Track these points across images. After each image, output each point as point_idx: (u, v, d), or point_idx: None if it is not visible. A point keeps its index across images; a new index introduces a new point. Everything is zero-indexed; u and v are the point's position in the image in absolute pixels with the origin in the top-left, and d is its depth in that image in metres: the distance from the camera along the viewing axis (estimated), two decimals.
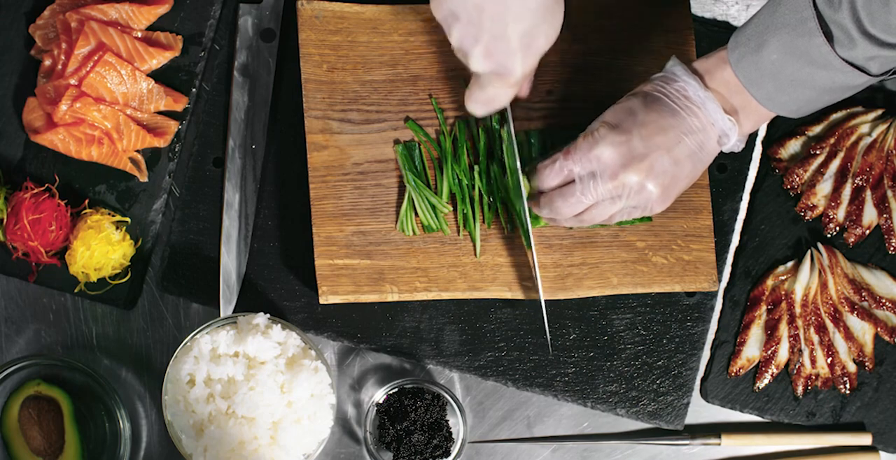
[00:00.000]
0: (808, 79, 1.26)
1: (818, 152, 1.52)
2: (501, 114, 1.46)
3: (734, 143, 1.33)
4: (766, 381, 1.50)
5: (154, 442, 1.49)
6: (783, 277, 1.51)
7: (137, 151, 1.49)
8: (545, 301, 1.47)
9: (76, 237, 1.44)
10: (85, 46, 1.46)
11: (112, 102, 1.48)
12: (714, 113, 1.30)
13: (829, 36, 1.23)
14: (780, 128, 1.53)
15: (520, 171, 1.41)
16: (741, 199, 1.52)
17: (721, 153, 1.46)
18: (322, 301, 1.43)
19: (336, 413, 1.43)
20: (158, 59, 1.50)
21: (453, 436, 1.46)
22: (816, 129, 1.53)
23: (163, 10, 1.51)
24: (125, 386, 1.49)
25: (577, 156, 1.33)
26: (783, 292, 1.50)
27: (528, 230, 1.42)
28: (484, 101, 1.35)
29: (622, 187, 1.32)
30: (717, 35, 1.53)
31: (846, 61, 1.23)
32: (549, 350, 1.47)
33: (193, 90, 1.51)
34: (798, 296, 1.49)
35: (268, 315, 1.41)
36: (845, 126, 1.51)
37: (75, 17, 1.47)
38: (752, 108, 1.31)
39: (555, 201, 1.35)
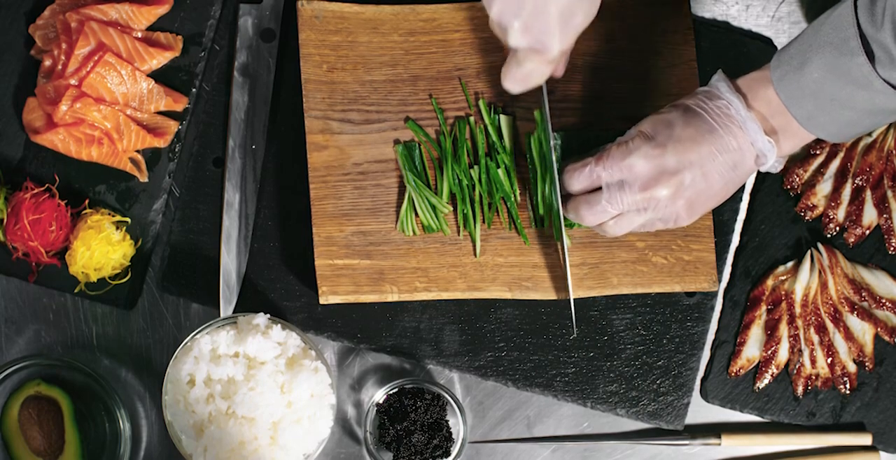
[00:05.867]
0: (849, 99, 1.25)
1: (818, 152, 1.52)
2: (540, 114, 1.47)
3: (772, 164, 1.32)
4: (766, 381, 1.50)
5: (154, 442, 1.49)
6: (783, 277, 1.51)
7: (137, 151, 1.49)
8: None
9: (76, 237, 1.44)
10: (85, 46, 1.46)
11: (112, 102, 1.48)
12: (754, 133, 1.30)
13: (871, 56, 1.22)
14: None
15: (554, 157, 1.41)
16: (741, 199, 1.52)
17: None
18: (322, 301, 1.43)
19: (336, 413, 1.43)
20: (158, 59, 1.50)
21: (453, 436, 1.46)
22: None
23: (163, 10, 1.51)
24: (125, 386, 1.49)
25: (609, 164, 1.33)
26: (783, 292, 1.50)
27: (558, 209, 1.42)
28: (520, 78, 1.35)
29: (650, 200, 1.32)
30: (717, 35, 1.53)
31: (887, 82, 1.23)
32: (574, 329, 1.47)
33: (193, 90, 1.51)
34: (798, 296, 1.49)
35: (268, 315, 1.41)
36: None
37: (75, 17, 1.47)
38: (792, 130, 1.31)
39: (580, 207, 1.35)
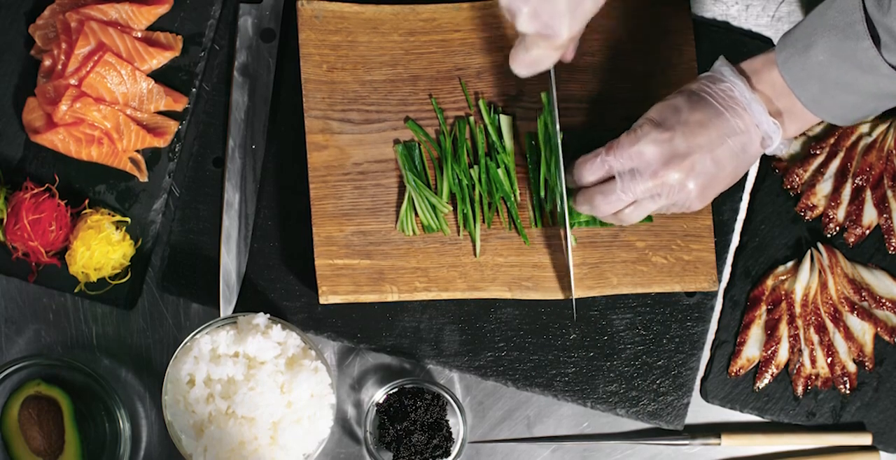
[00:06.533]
0: (854, 83, 1.26)
1: (818, 152, 1.52)
2: (548, 111, 1.47)
3: (777, 146, 1.33)
4: (766, 381, 1.50)
5: (154, 442, 1.49)
6: (783, 277, 1.51)
7: (137, 151, 1.49)
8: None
9: (76, 237, 1.44)
10: (85, 46, 1.46)
11: (112, 102, 1.48)
12: (759, 115, 1.30)
13: (876, 40, 1.22)
14: None
15: (559, 140, 1.41)
16: (741, 199, 1.52)
17: None
18: (322, 301, 1.43)
19: (336, 413, 1.43)
20: (158, 59, 1.50)
21: (453, 436, 1.46)
22: (816, 129, 1.53)
23: (163, 10, 1.51)
24: (125, 386, 1.49)
25: (619, 152, 1.33)
26: (783, 292, 1.50)
27: (564, 210, 1.43)
28: (528, 63, 1.35)
29: (663, 185, 1.32)
30: (717, 35, 1.53)
31: (892, 67, 1.23)
32: (574, 315, 1.47)
33: (193, 90, 1.51)
34: (798, 296, 1.49)
35: (268, 315, 1.41)
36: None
37: (75, 17, 1.47)
38: (797, 112, 1.31)
39: (595, 198, 1.35)
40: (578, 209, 1.39)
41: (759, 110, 1.30)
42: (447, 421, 1.46)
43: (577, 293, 1.46)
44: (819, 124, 1.52)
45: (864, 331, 1.50)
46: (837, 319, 1.50)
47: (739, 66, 1.33)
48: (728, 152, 1.31)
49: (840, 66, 1.25)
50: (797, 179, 1.52)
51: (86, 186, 1.49)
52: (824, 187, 1.52)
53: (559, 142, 1.42)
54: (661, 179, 1.31)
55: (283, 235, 1.48)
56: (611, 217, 1.37)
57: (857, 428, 1.51)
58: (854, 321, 1.50)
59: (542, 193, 1.46)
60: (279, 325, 1.40)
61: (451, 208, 1.46)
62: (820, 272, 1.50)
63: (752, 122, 1.31)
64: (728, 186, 1.35)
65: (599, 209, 1.36)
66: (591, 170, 1.35)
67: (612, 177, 1.34)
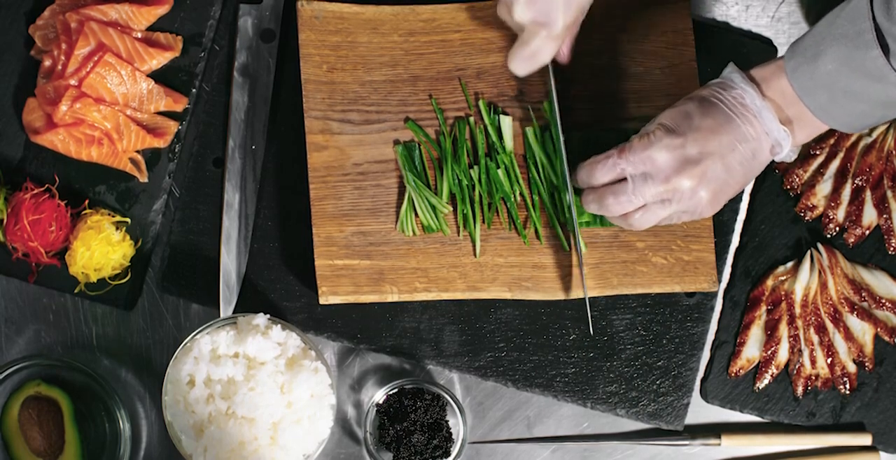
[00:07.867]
0: (863, 91, 1.26)
1: (818, 152, 1.52)
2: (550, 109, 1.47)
3: (787, 153, 1.33)
4: (766, 382, 1.50)
5: (154, 443, 1.49)
6: (783, 277, 1.51)
7: (137, 152, 1.49)
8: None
9: (76, 237, 1.44)
10: (85, 47, 1.46)
11: (112, 103, 1.48)
12: (769, 122, 1.30)
13: (885, 49, 1.23)
14: None
15: (563, 145, 1.42)
16: (741, 199, 1.52)
17: None
18: (322, 301, 1.44)
19: (336, 413, 1.43)
20: (158, 60, 1.50)
21: (453, 437, 1.46)
22: None
23: (163, 10, 1.51)
24: (125, 386, 1.49)
25: (632, 157, 1.33)
26: (783, 292, 1.50)
27: (572, 215, 1.43)
28: (527, 56, 1.37)
29: (674, 191, 1.32)
30: (717, 35, 1.53)
31: None
32: (591, 329, 1.47)
33: (193, 90, 1.51)
34: (798, 296, 1.49)
35: (268, 315, 1.41)
36: None
37: (75, 17, 1.47)
38: (806, 120, 1.31)
39: (606, 197, 1.36)
40: (587, 208, 1.39)
41: (769, 118, 1.30)
42: (447, 421, 1.46)
43: (577, 293, 1.46)
44: None
45: (864, 332, 1.50)
46: (837, 319, 1.50)
47: (749, 73, 1.33)
48: (739, 158, 1.31)
49: (849, 75, 1.25)
50: (797, 179, 1.52)
51: (86, 187, 1.49)
52: (824, 187, 1.52)
53: (564, 153, 1.42)
54: (672, 185, 1.32)
55: (283, 235, 1.48)
56: (619, 219, 1.37)
57: (857, 428, 1.51)
58: (854, 321, 1.50)
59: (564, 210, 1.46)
60: (279, 326, 1.40)
61: (451, 208, 1.46)
62: (820, 272, 1.50)
63: (762, 130, 1.31)
64: (737, 193, 1.35)
65: (610, 209, 1.36)
66: (602, 171, 1.35)
67: (624, 179, 1.34)
